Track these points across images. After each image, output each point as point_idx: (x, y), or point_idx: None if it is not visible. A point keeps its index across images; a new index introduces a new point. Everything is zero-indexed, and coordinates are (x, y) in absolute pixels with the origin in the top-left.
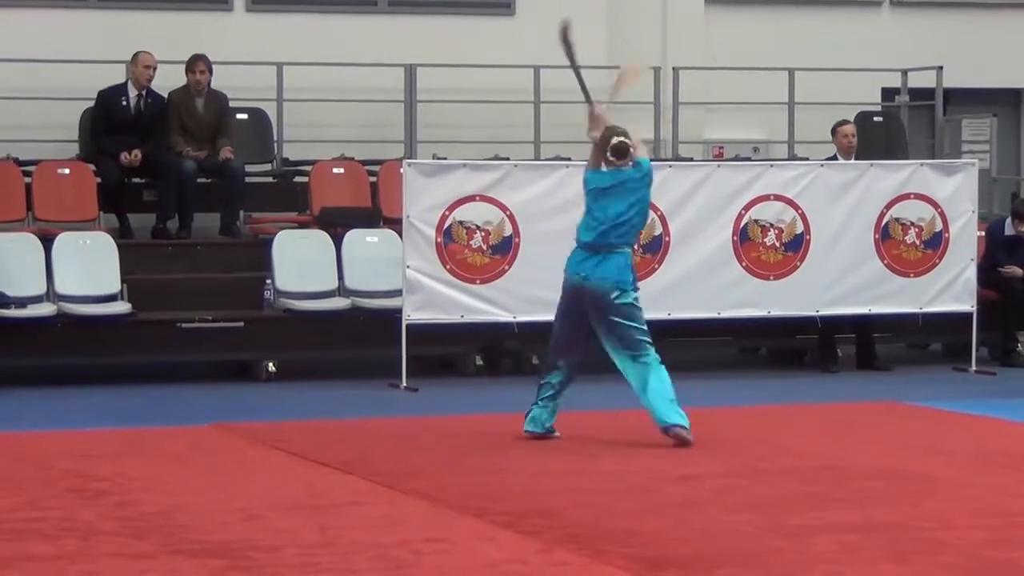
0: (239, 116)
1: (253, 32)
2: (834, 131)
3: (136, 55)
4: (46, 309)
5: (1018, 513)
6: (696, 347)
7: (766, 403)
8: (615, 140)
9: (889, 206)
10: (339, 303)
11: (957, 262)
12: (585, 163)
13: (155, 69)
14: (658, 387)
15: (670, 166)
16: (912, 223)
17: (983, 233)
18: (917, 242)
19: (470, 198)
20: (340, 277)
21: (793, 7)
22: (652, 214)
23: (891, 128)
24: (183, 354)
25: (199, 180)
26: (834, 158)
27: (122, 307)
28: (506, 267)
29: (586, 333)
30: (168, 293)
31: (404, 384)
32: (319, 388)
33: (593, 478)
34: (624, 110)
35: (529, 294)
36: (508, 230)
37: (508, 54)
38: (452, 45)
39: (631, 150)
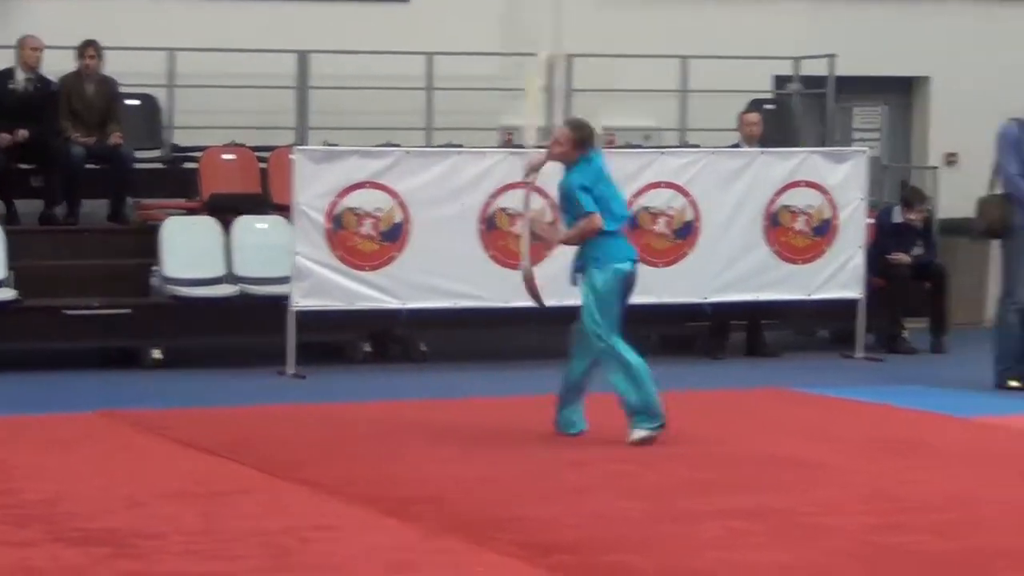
0: (129, 102)
1: (145, 18)
2: (739, 118)
3: (23, 38)
4: None
5: (905, 499)
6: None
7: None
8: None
9: (779, 193)
10: (227, 290)
11: (845, 249)
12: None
13: (43, 52)
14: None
15: None
16: (801, 210)
17: (872, 221)
18: (806, 229)
19: (360, 185)
20: (229, 264)
21: None
22: (543, 201)
23: (782, 116)
24: (69, 341)
25: (87, 166)
26: (737, 146)
27: (8, 293)
28: (396, 254)
29: None
30: (55, 279)
31: (292, 371)
32: (206, 375)
33: (481, 465)
34: (518, 97)
35: (418, 281)
36: (398, 217)
37: (400, 41)
38: (344, 32)
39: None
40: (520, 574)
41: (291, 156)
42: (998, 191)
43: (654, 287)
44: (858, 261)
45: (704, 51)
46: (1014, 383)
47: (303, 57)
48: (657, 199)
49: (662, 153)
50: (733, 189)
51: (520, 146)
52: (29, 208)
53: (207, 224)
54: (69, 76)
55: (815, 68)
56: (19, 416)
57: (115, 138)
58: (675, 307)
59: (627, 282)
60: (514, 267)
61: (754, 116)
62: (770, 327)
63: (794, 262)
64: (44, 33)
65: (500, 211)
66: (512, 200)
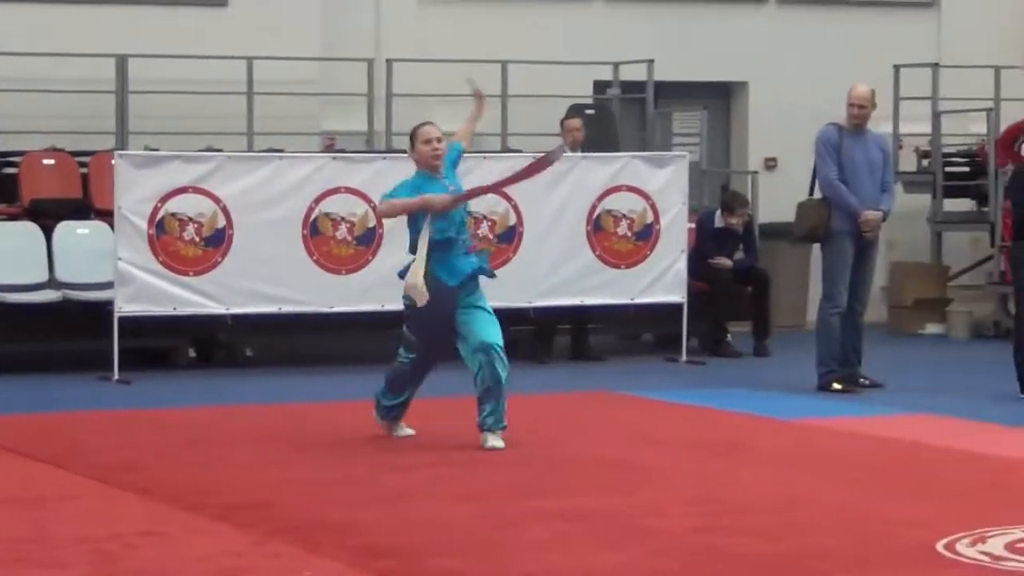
0: None
1: None
2: (561, 124)
3: None
4: None
5: (728, 501)
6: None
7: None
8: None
9: (601, 198)
10: (50, 295)
11: (668, 254)
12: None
13: None
14: None
15: (384, 158)
16: (624, 215)
17: (693, 225)
18: (628, 234)
19: (182, 190)
20: (51, 269)
21: (507, 0)
22: (366, 206)
23: (603, 121)
24: None
25: None
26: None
27: None
28: (219, 259)
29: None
30: None
31: (116, 377)
32: (29, 382)
33: (308, 469)
34: (338, 102)
35: (242, 286)
36: (221, 222)
37: (220, 46)
38: (164, 36)
39: None
40: None
41: (113, 161)
42: (817, 195)
43: None
44: (680, 265)
45: (525, 56)
46: (836, 385)
47: (122, 61)
48: (480, 204)
49: (485, 158)
50: (555, 194)
51: (342, 151)
52: None
53: (28, 230)
54: None
55: (635, 73)
56: None
57: None
58: (498, 311)
59: None
60: (337, 272)
61: (576, 122)
62: (595, 331)
63: (617, 267)
64: None
65: (324, 216)
66: (335, 205)
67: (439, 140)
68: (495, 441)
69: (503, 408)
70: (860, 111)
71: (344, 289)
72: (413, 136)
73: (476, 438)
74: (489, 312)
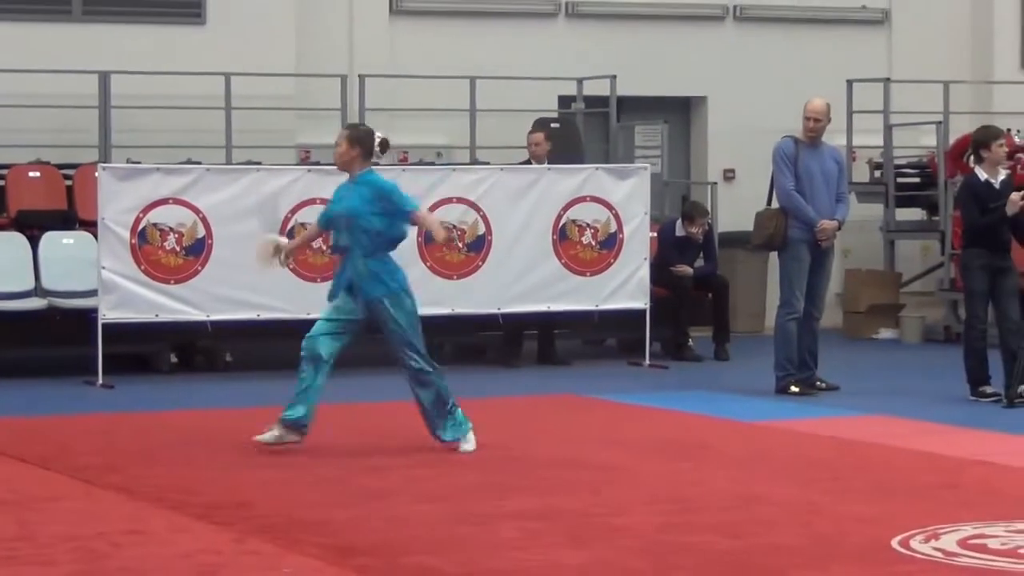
0: None
1: None
2: (527, 138)
3: None
4: None
5: (690, 499)
6: (382, 343)
7: None
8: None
9: (566, 208)
10: (36, 303)
11: (631, 262)
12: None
13: None
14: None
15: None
16: (588, 224)
17: (655, 234)
18: (593, 242)
19: (164, 201)
20: (37, 278)
21: (474, 18)
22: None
23: (568, 134)
24: None
25: None
26: (528, 162)
27: None
28: (199, 268)
29: None
30: None
31: (100, 381)
32: (16, 386)
33: (285, 470)
34: (313, 117)
35: (222, 293)
36: (201, 232)
37: (199, 62)
38: (145, 53)
39: None
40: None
41: (96, 173)
42: (775, 205)
43: (448, 299)
44: (643, 273)
45: (492, 72)
46: (794, 388)
47: (104, 77)
48: (450, 214)
49: (454, 170)
50: (523, 204)
51: (317, 163)
52: None
53: (15, 239)
54: None
55: (598, 88)
56: None
57: None
58: (468, 317)
59: None
60: (312, 279)
61: (538, 136)
62: (561, 336)
63: (582, 274)
64: None
65: (300, 226)
66: (310, 216)
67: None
68: (468, 445)
69: (452, 415)
70: (815, 124)
71: (320, 296)
72: None
73: None
74: (397, 323)
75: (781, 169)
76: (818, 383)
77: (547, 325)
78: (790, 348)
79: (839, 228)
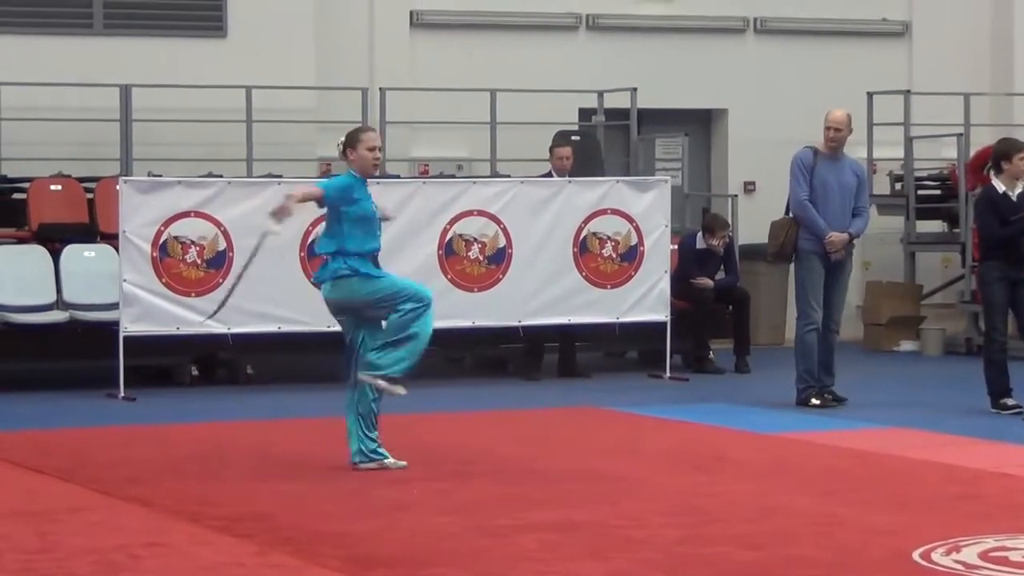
0: None
1: None
2: (551, 151)
3: None
4: None
5: (709, 511)
6: None
7: (471, 409)
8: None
9: (587, 221)
10: (57, 316)
11: (652, 274)
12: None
13: None
14: None
15: (377, 183)
16: (609, 237)
17: (676, 246)
18: (614, 255)
19: (185, 214)
20: (58, 290)
21: (494, 31)
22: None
23: (588, 147)
24: None
25: None
26: (549, 175)
27: None
28: (220, 280)
29: None
30: None
31: (122, 394)
32: (38, 399)
33: (305, 482)
34: (334, 129)
35: (243, 306)
36: (222, 245)
37: (220, 75)
38: (166, 66)
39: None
40: None
41: (118, 187)
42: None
43: (469, 311)
44: (664, 285)
45: (513, 84)
46: (815, 401)
47: (126, 91)
48: (470, 227)
49: (474, 182)
50: (543, 217)
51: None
52: None
53: (37, 252)
54: None
55: (619, 101)
56: None
57: None
58: (489, 330)
59: None
60: None
61: (566, 150)
62: (582, 349)
63: (603, 287)
64: None
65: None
66: None
67: (379, 150)
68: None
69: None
70: (836, 134)
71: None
72: (355, 140)
73: (465, 452)
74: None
75: (796, 179)
76: (826, 395)
77: (568, 338)
78: (810, 360)
79: (851, 241)
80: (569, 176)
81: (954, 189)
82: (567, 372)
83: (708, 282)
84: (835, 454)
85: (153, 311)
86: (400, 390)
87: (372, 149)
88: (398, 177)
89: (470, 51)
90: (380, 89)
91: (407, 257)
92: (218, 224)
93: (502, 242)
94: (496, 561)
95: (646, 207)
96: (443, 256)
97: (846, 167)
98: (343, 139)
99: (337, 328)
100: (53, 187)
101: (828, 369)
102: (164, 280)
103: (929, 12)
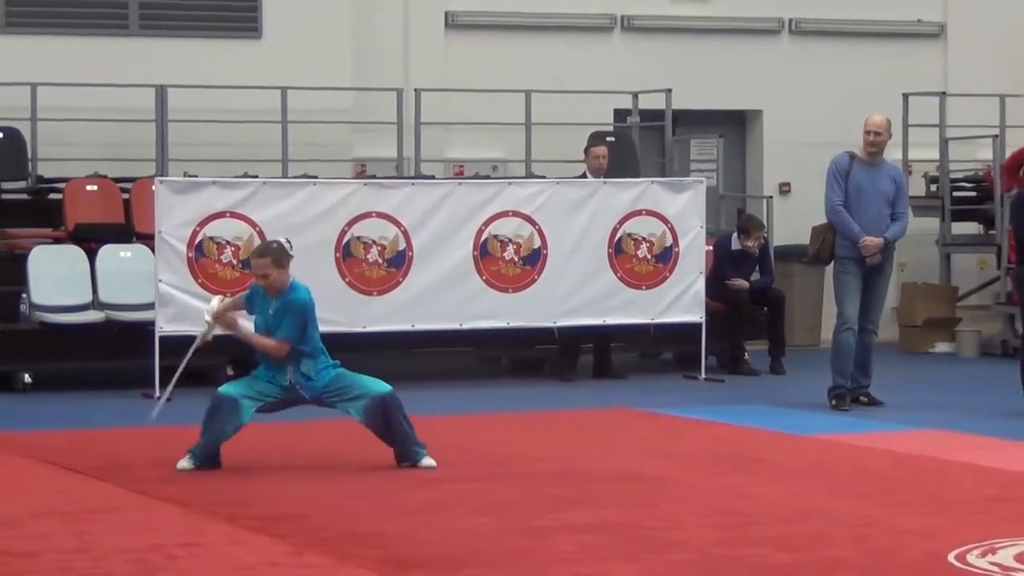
0: None
1: (7, 52)
2: (586, 151)
3: None
4: None
5: (745, 513)
6: (439, 357)
7: (507, 410)
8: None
9: (622, 222)
10: (93, 316)
11: (687, 275)
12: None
13: None
14: None
15: (412, 184)
16: (644, 238)
17: (711, 247)
18: (649, 256)
19: (220, 214)
20: (94, 291)
21: (529, 32)
22: (396, 230)
23: (623, 148)
24: None
25: None
26: (583, 175)
27: None
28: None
29: None
30: None
31: (157, 394)
32: (75, 399)
33: (340, 483)
34: (369, 130)
35: None
36: (257, 245)
37: (256, 75)
38: (201, 66)
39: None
40: None
41: (153, 187)
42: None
43: (504, 312)
44: (699, 286)
45: (547, 86)
46: (833, 402)
47: (162, 91)
48: (505, 227)
49: (509, 183)
50: (578, 218)
51: (373, 177)
52: None
53: (73, 253)
54: None
55: (654, 102)
56: None
57: None
58: (524, 331)
59: None
60: (368, 293)
61: (602, 149)
62: (617, 350)
63: (638, 287)
64: None
65: (355, 239)
66: (366, 229)
67: (264, 276)
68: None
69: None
70: (876, 138)
71: (375, 310)
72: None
73: (500, 453)
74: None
75: (831, 184)
76: (862, 398)
77: (603, 339)
78: (840, 362)
79: (885, 246)
80: (604, 177)
81: (989, 191)
82: (602, 373)
83: (743, 283)
84: (871, 456)
85: (189, 311)
86: None
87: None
88: (433, 178)
89: (505, 52)
90: (415, 90)
91: (442, 258)
92: (253, 224)
93: (537, 243)
94: (531, 562)
95: (681, 208)
96: (478, 257)
97: (884, 172)
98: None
99: (372, 328)
100: (89, 187)
101: (865, 370)
102: (200, 280)
103: (964, 13)
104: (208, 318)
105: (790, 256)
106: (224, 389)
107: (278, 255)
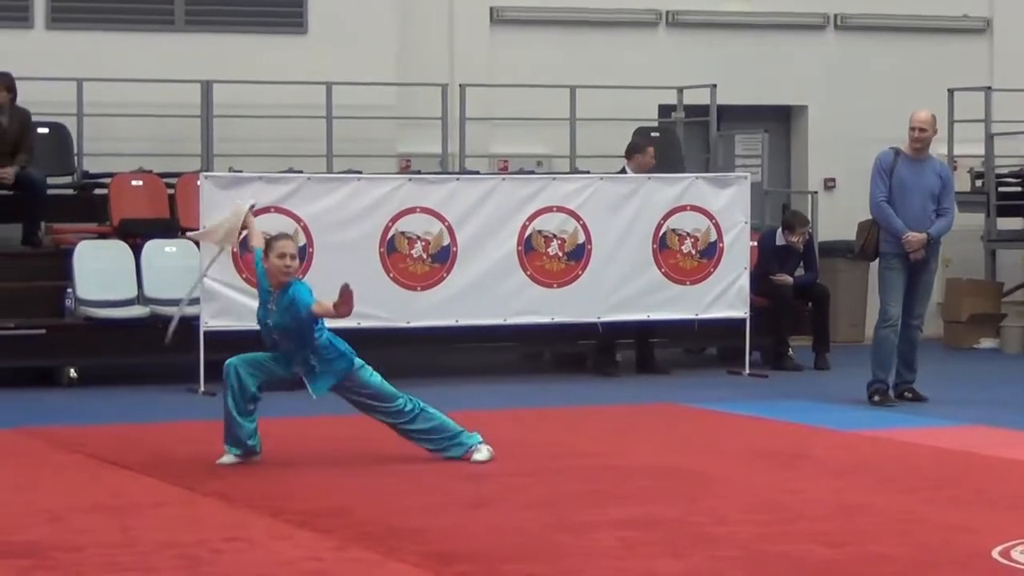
0: (40, 130)
1: (53, 48)
2: (638, 150)
3: None
4: None
5: (789, 508)
6: (483, 352)
7: (550, 405)
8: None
9: (666, 217)
10: (138, 311)
11: (731, 271)
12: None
13: None
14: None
15: (457, 179)
16: (688, 233)
17: (755, 243)
18: (693, 251)
19: (265, 210)
20: (140, 286)
21: (574, 27)
22: (441, 225)
23: (668, 143)
24: None
25: (1, 192)
26: (623, 171)
27: None
28: (300, 275)
29: None
30: None
31: (202, 389)
32: (120, 393)
33: (384, 477)
34: (414, 125)
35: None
36: (302, 240)
37: (301, 71)
38: (247, 62)
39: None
40: None
41: (198, 182)
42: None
43: (548, 307)
44: (743, 282)
45: (592, 81)
46: (875, 398)
47: (207, 87)
48: (550, 223)
49: (554, 179)
50: (622, 213)
51: (418, 172)
52: None
53: (118, 248)
54: None
55: (698, 98)
56: None
57: (19, 162)
58: (568, 326)
59: None
60: (412, 288)
61: (652, 150)
62: (661, 345)
63: (682, 283)
64: None
65: (400, 235)
66: (411, 224)
67: (292, 257)
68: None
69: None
70: (921, 134)
71: (419, 305)
72: (268, 246)
73: (544, 448)
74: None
75: (875, 180)
76: (906, 394)
77: (645, 333)
78: (880, 357)
79: (929, 242)
80: (648, 173)
81: None
82: (646, 368)
83: (787, 279)
84: (915, 452)
85: (234, 306)
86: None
87: (282, 256)
88: (477, 173)
89: (550, 47)
90: (460, 85)
91: (487, 253)
92: (298, 219)
93: (581, 238)
94: (575, 557)
95: (725, 203)
96: (522, 252)
97: (929, 168)
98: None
99: (416, 324)
100: (134, 183)
101: (910, 365)
102: (245, 276)
103: (1010, 8)
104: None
105: (835, 252)
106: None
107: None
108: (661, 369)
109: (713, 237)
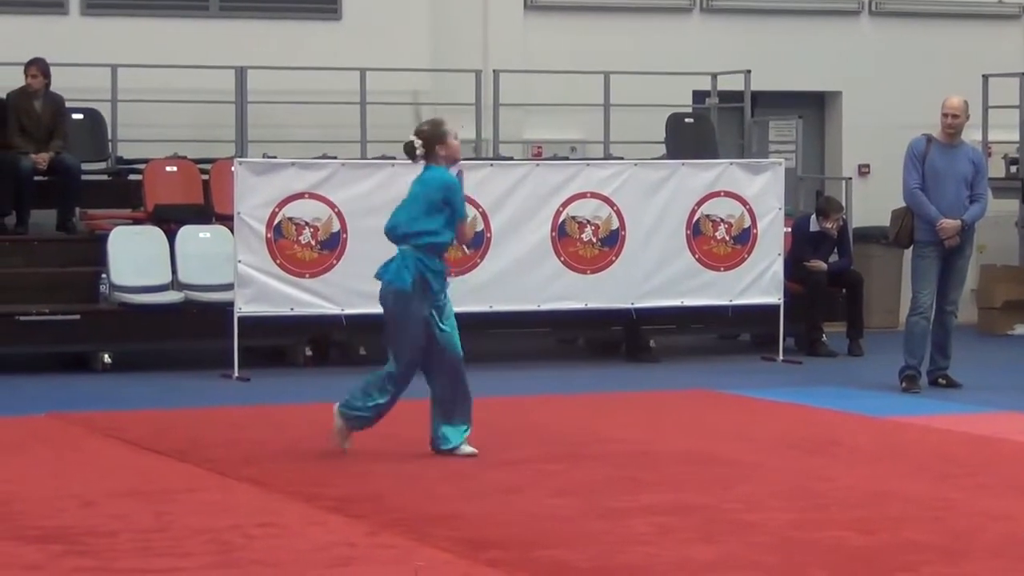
0: (75, 116)
1: (88, 34)
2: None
3: None
4: None
5: (822, 495)
6: (516, 338)
7: (583, 391)
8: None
9: (700, 203)
10: (173, 296)
11: (765, 257)
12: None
13: None
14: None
15: (491, 165)
16: (722, 219)
17: (789, 229)
18: (727, 237)
19: (299, 195)
20: (174, 271)
21: (608, 13)
22: (475, 211)
23: (702, 129)
24: (21, 346)
25: (36, 178)
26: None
27: None
28: (334, 262)
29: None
30: (6, 286)
31: (236, 374)
32: (154, 379)
33: (416, 464)
34: (448, 111)
35: (356, 287)
36: (336, 226)
37: (335, 57)
38: (281, 48)
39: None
40: (458, 569)
41: (232, 168)
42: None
43: (581, 293)
44: (777, 268)
45: (627, 67)
46: (904, 385)
47: (241, 72)
48: (584, 209)
49: (588, 165)
50: (656, 199)
51: None
52: None
53: (152, 233)
54: (15, 92)
55: (732, 83)
56: None
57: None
58: (601, 312)
59: None
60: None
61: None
62: (694, 331)
63: (716, 269)
64: None
65: None
66: None
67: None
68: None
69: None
70: (953, 120)
71: (453, 290)
72: (443, 133)
73: (577, 434)
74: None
75: (907, 167)
76: (940, 380)
77: (680, 320)
78: (911, 344)
79: (963, 228)
80: (683, 159)
81: None
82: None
83: (821, 265)
84: (949, 438)
85: (267, 292)
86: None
87: (458, 138)
88: (511, 159)
89: (584, 33)
90: (494, 71)
91: (521, 239)
92: (332, 205)
93: (615, 224)
94: (608, 543)
95: (759, 189)
96: (556, 238)
97: (962, 154)
98: (420, 141)
99: None
100: (169, 168)
101: (944, 351)
102: (278, 261)
103: None
104: None
105: (869, 238)
106: None
107: None
108: (652, 357)
109: (747, 223)
